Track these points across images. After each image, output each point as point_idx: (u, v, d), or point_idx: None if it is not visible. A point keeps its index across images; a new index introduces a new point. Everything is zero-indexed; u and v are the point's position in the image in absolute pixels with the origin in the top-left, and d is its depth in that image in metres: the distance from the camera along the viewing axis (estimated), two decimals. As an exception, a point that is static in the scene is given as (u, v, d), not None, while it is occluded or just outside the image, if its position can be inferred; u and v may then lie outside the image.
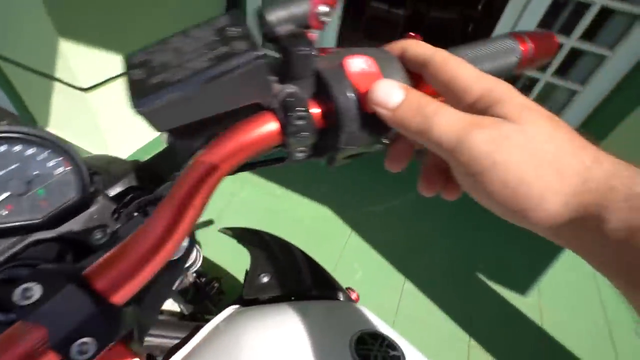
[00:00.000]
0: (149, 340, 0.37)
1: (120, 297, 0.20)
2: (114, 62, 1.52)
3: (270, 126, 0.21)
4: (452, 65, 0.21)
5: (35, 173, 0.29)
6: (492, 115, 0.19)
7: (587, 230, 0.16)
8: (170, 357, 0.33)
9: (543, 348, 1.38)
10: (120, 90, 1.61)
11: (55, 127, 1.81)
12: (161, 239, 0.20)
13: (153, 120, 0.19)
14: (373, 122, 0.21)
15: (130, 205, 0.35)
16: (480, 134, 0.18)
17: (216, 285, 0.66)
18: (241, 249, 0.53)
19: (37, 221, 0.30)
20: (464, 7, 3.05)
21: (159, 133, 0.21)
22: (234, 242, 0.56)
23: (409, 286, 1.44)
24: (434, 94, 0.22)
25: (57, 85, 1.54)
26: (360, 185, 1.94)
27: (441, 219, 1.84)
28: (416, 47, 0.22)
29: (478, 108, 0.19)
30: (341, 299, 0.46)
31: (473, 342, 1.30)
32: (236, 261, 0.66)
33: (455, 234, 1.78)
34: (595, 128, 1.58)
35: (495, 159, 0.17)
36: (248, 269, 0.47)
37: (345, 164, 0.26)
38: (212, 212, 1.30)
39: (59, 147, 0.30)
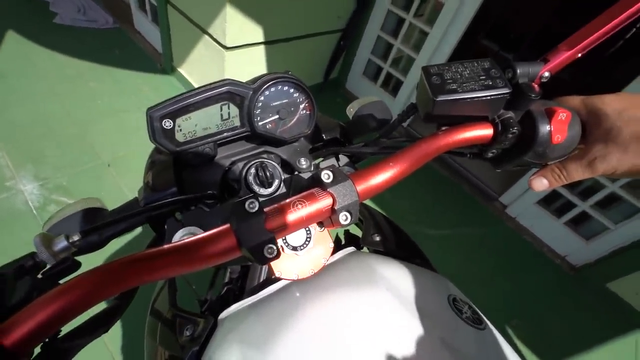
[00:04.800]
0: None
1: (369, 194, 0.33)
2: (257, 32, 1.87)
3: (487, 132, 0.37)
4: None
5: (292, 109, 0.45)
6: None
7: None
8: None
9: None
10: (251, 55, 1.96)
11: (187, 71, 2.23)
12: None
13: (438, 106, 0.35)
14: (549, 151, 0.35)
15: (323, 150, 0.51)
16: None
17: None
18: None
19: (283, 139, 0.47)
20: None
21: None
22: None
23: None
24: None
25: (204, 37, 1.91)
26: (421, 205, 2.08)
27: (486, 264, 1.93)
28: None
29: None
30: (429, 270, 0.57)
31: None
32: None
33: (496, 283, 1.85)
34: None
35: None
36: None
37: (507, 169, 0.41)
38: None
39: (309, 96, 0.46)
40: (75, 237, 0.27)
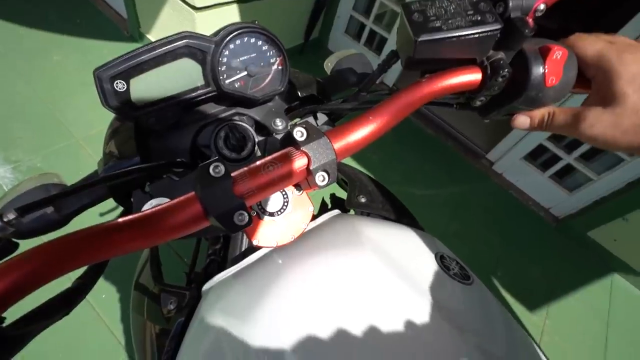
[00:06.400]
0: None
1: (347, 152, 0.31)
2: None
3: (475, 76, 0.33)
4: None
5: (262, 64, 0.40)
6: None
7: None
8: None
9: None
10: (223, 15, 1.81)
11: (156, 36, 2.06)
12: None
13: (420, 48, 0.30)
14: (542, 95, 0.32)
15: (300, 109, 0.46)
16: None
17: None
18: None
19: (255, 99, 0.42)
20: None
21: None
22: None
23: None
24: None
25: (172, -2, 1.70)
26: (407, 165, 2.08)
27: (473, 220, 1.96)
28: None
29: None
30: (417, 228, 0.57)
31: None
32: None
33: (483, 237, 1.90)
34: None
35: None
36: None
37: (495, 119, 0.37)
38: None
39: (281, 50, 0.41)
40: (11, 216, 0.24)
